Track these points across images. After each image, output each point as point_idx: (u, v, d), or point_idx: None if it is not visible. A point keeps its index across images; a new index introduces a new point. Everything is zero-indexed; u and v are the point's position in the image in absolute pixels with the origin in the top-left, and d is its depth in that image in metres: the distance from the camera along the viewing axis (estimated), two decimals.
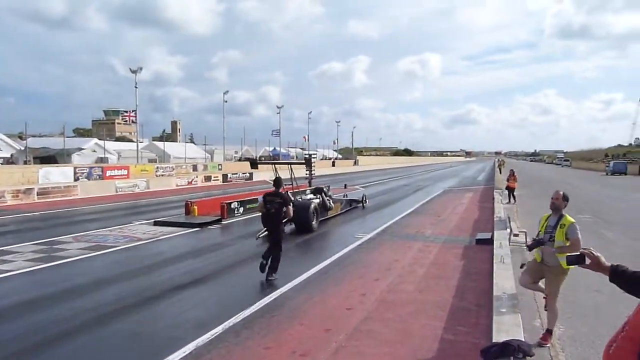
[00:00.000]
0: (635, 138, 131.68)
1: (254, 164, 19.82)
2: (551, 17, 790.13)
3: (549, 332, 5.65)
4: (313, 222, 14.00)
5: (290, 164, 16.05)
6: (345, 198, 19.67)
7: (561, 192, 5.91)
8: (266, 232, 9.52)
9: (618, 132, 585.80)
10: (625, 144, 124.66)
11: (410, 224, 15.50)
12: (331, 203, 16.47)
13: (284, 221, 8.99)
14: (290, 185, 15.12)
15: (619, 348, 2.04)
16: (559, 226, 5.70)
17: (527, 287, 6.23)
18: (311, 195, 16.27)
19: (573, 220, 5.71)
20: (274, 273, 8.45)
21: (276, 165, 14.94)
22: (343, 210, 18.12)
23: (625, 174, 57.26)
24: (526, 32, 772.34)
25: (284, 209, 8.68)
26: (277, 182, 9.23)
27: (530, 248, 6.07)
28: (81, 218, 17.34)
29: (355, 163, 77.84)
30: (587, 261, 2.83)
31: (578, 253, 2.94)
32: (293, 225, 13.53)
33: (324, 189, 16.77)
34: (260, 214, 9.16)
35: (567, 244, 5.51)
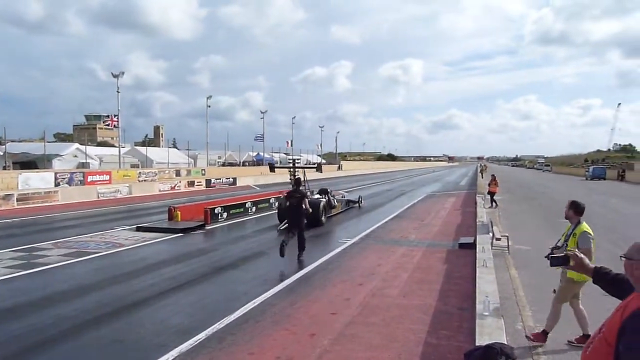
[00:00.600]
0: (614, 143, 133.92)
1: (272, 167, 22.02)
2: (531, 23, 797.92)
3: (544, 334, 5.72)
4: (322, 218, 16.10)
5: (304, 168, 19.72)
6: (344, 199, 21.59)
7: (569, 201, 5.86)
8: (286, 225, 11.90)
9: (597, 137, 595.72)
10: (605, 149, 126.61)
11: (393, 229, 15.58)
12: (335, 202, 18.47)
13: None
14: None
15: (594, 349, 2.08)
16: (572, 234, 5.69)
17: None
18: (318, 195, 17.70)
19: (587, 229, 5.65)
20: (302, 252, 10.65)
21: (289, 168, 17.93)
22: (343, 209, 20.21)
23: (605, 179, 58.25)
24: (507, 38, 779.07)
25: (303, 203, 10.58)
26: (298, 181, 11.79)
27: (548, 256, 5.97)
28: (62, 224, 17.07)
29: (339, 168, 77.87)
30: (572, 263, 2.88)
31: (562, 254, 2.99)
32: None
33: (328, 190, 18.56)
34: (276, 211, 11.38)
35: None
